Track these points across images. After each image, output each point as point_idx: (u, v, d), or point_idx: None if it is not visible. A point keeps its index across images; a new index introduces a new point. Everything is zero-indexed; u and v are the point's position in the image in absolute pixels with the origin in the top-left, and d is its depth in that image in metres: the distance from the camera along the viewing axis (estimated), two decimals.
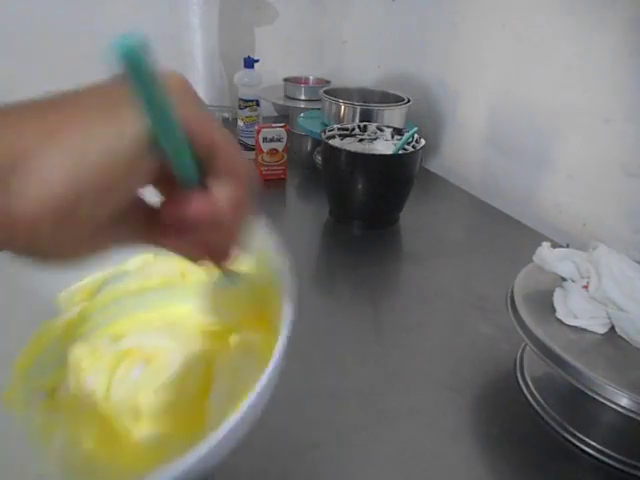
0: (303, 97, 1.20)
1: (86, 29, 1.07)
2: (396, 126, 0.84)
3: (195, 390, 0.37)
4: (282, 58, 1.29)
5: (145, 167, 0.21)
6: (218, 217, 0.23)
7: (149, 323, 0.42)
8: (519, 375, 0.51)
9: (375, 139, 0.84)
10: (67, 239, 0.20)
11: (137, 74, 0.17)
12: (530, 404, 0.47)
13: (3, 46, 1.02)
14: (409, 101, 0.97)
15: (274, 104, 1.27)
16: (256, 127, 0.92)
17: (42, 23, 1.04)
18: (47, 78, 1.04)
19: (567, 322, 0.45)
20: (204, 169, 0.23)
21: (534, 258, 0.51)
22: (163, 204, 0.24)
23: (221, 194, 0.23)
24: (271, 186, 0.92)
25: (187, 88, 0.22)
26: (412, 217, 0.82)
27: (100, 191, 0.19)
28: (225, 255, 0.28)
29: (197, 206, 0.23)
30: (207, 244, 0.26)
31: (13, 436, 0.32)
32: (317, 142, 0.99)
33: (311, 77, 1.27)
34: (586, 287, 0.46)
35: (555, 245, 0.52)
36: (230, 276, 0.32)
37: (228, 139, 0.23)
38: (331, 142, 0.78)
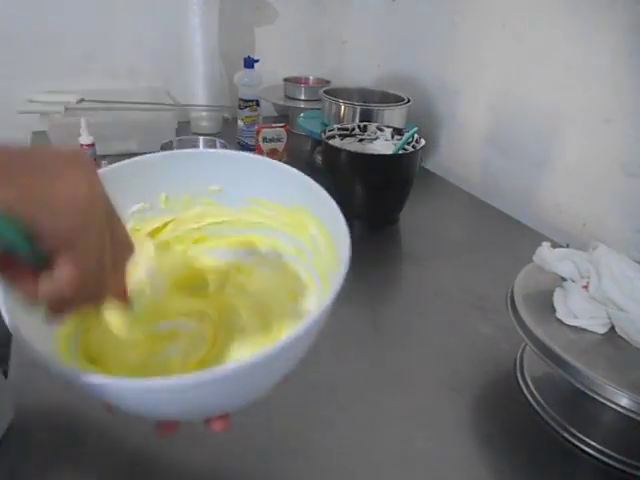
0: (303, 97, 1.20)
1: (86, 29, 1.07)
2: (396, 126, 0.84)
3: None
4: (282, 58, 1.29)
5: None
6: (62, 295, 0.24)
7: None
8: (519, 375, 0.51)
9: (375, 139, 0.84)
10: None
11: None
12: (530, 404, 0.47)
13: (3, 46, 1.02)
14: (409, 101, 0.97)
15: (274, 104, 1.27)
16: (256, 127, 0.92)
17: (42, 23, 1.03)
18: (47, 78, 1.05)
19: (567, 322, 0.45)
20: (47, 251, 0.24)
21: (534, 258, 0.51)
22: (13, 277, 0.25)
23: (61, 274, 0.24)
24: None
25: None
26: (412, 217, 0.82)
27: None
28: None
29: (41, 287, 0.24)
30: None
31: None
32: (317, 142, 0.99)
33: (311, 77, 1.27)
34: (586, 287, 0.46)
35: (555, 245, 0.52)
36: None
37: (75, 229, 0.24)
38: (331, 142, 0.78)
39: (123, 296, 0.31)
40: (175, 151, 0.42)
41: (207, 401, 0.27)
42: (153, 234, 0.40)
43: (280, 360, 0.27)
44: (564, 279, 0.49)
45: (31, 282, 0.24)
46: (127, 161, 0.37)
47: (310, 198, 0.36)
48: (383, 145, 0.83)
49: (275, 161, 0.38)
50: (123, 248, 0.28)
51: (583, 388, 0.39)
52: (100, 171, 0.31)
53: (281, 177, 0.38)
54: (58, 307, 0.26)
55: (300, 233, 0.39)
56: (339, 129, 0.82)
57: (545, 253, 0.50)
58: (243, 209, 0.41)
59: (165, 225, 0.41)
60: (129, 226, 0.38)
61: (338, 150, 0.75)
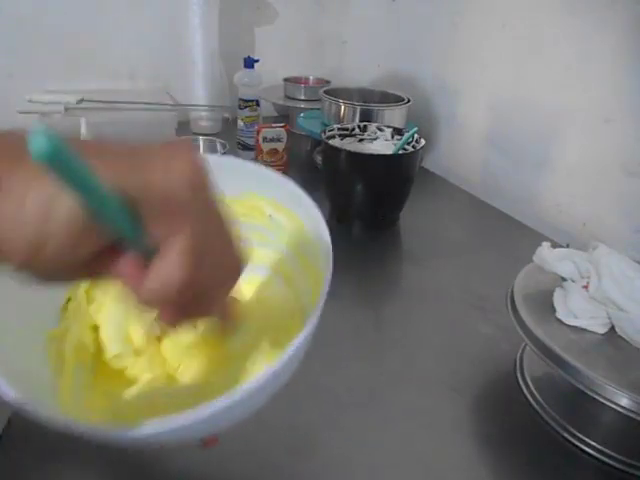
0: (303, 97, 1.20)
1: (86, 29, 1.07)
2: (396, 126, 0.84)
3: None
4: (282, 58, 1.29)
5: (89, 237, 0.20)
6: (169, 291, 0.21)
7: None
8: (519, 375, 0.51)
9: (375, 139, 0.84)
10: (50, 269, 0.20)
11: (59, 168, 0.17)
12: (530, 404, 0.47)
13: (3, 46, 1.02)
14: (409, 101, 0.97)
15: (274, 104, 1.27)
16: (256, 127, 0.92)
17: (42, 23, 1.03)
18: (47, 78, 1.05)
19: (567, 322, 0.45)
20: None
21: (534, 258, 0.51)
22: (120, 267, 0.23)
23: (169, 263, 0.21)
24: None
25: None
26: (412, 217, 0.82)
27: (53, 250, 0.19)
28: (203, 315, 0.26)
29: (147, 283, 0.21)
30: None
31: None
32: (317, 142, 0.99)
33: (311, 77, 1.27)
34: (586, 287, 0.46)
35: (555, 245, 0.52)
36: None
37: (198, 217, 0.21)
38: (331, 142, 0.78)
39: (227, 313, 0.27)
40: None
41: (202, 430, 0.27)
42: None
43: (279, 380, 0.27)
44: (564, 279, 0.49)
45: (139, 278, 0.21)
46: None
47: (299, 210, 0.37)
48: (383, 145, 0.83)
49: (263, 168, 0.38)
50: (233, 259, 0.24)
51: (583, 388, 0.39)
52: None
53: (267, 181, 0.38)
54: (170, 313, 0.23)
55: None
56: (339, 129, 0.82)
57: (545, 253, 0.50)
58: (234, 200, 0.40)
59: None
60: None
61: (338, 150, 0.75)
